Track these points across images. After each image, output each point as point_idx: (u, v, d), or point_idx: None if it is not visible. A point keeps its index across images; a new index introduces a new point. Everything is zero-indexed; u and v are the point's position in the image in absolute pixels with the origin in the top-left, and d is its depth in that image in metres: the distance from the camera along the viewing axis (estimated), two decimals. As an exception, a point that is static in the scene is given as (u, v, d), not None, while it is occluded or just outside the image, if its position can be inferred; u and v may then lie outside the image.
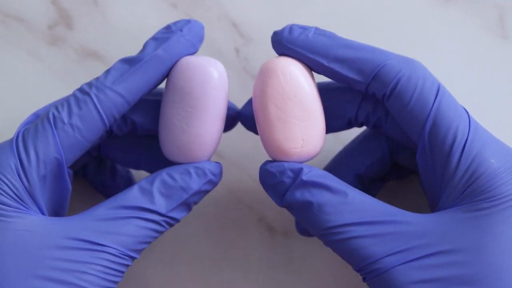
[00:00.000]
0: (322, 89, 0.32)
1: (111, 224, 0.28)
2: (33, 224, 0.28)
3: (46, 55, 0.39)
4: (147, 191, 0.30)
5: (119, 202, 0.29)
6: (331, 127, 0.33)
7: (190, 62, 0.31)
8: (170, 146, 0.31)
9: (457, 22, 0.39)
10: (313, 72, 0.32)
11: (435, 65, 0.39)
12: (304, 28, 0.31)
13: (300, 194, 0.29)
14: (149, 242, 0.29)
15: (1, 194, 0.28)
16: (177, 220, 0.30)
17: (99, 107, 0.29)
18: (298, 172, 0.30)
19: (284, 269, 0.39)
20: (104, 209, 0.29)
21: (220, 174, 0.32)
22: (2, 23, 0.39)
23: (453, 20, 0.39)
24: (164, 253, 0.39)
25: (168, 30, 0.32)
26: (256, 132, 0.32)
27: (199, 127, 0.31)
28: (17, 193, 0.28)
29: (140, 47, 0.39)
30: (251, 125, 0.34)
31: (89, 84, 0.30)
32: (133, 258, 0.29)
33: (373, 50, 0.31)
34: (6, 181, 0.28)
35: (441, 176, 0.29)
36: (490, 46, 0.39)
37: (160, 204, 0.30)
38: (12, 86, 0.39)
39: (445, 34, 0.39)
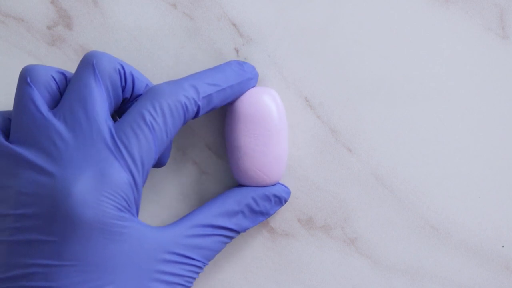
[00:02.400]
0: None
1: (200, 240, 0.33)
2: (141, 235, 0.30)
3: (46, 55, 0.39)
4: (234, 213, 0.35)
5: (210, 221, 0.34)
6: None
7: (259, 92, 0.36)
8: (250, 171, 0.36)
9: (457, 22, 0.39)
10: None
11: (435, 65, 0.39)
12: None
13: None
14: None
15: (120, 209, 0.30)
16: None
17: (187, 117, 0.32)
18: None
19: (284, 270, 0.39)
20: (194, 225, 0.33)
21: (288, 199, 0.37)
22: (2, 23, 0.39)
23: (453, 20, 0.39)
24: (164, 253, 0.39)
25: (241, 68, 0.36)
26: None
27: (277, 147, 0.36)
28: (130, 204, 0.30)
29: (140, 47, 0.39)
30: None
31: (185, 96, 0.32)
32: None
33: None
34: (124, 196, 0.30)
35: None
36: (490, 46, 0.39)
37: (241, 225, 0.35)
38: (12, 86, 0.39)
39: (445, 34, 0.39)
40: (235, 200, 0.35)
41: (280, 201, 0.37)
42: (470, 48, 0.39)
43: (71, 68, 0.39)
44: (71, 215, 0.29)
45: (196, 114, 0.33)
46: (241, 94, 0.36)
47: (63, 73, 0.33)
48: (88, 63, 0.32)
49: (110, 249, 0.29)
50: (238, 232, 0.35)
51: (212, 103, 0.34)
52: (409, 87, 0.39)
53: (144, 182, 0.31)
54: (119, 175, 0.30)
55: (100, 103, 0.31)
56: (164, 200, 0.39)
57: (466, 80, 0.39)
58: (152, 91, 0.32)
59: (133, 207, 0.31)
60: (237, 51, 0.39)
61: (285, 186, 0.37)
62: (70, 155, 0.30)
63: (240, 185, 0.37)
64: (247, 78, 0.36)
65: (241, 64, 0.36)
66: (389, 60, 0.39)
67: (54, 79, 0.32)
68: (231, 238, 0.35)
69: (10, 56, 0.39)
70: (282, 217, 0.39)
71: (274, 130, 0.36)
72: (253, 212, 0.35)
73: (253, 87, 0.36)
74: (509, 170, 0.39)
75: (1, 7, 0.39)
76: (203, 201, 0.39)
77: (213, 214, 0.34)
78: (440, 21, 0.39)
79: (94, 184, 0.29)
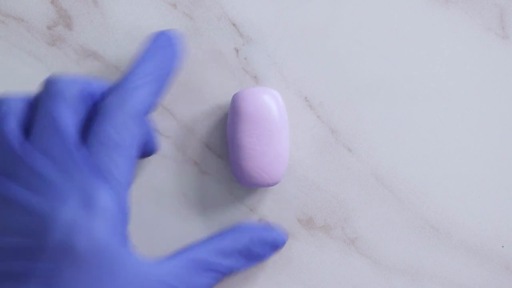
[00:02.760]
0: None
1: (194, 275, 0.32)
2: (134, 266, 0.30)
3: (46, 55, 0.39)
4: (230, 252, 0.34)
5: (205, 257, 0.34)
6: None
7: (260, 92, 0.36)
8: (251, 171, 0.36)
9: (457, 22, 0.39)
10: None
11: (435, 65, 0.39)
12: None
13: None
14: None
15: (111, 235, 0.29)
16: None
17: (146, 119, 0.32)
18: None
19: (284, 270, 0.39)
20: (190, 259, 0.33)
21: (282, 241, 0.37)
22: (2, 23, 0.39)
23: (453, 20, 0.39)
24: (164, 253, 0.39)
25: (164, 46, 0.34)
26: None
27: (279, 147, 0.36)
28: (121, 228, 0.30)
29: (139, 47, 0.39)
30: None
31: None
32: None
33: None
34: (113, 219, 0.29)
35: None
36: (490, 46, 0.39)
37: (236, 266, 0.35)
38: (11, 86, 0.39)
39: (446, 34, 0.39)
40: (232, 239, 0.35)
41: (277, 247, 0.37)
42: (470, 48, 0.39)
43: (71, 68, 0.39)
44: (60, 246, 0.28)
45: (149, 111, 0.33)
46: (172, 66, 0.34)
47: (29, 101, 0.32)
48: (52, 87, 0.31)
49: (101, 280, 0.28)
50: (231, 272, 0.35)
51: (156, 100, 0.33)
52: (409, 87, 0.39)
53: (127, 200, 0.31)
54: (105, 198, 0.29)
55: (71, 126, 0.30)
56: (164, 200, 0.39)
57: (466, 80, 0.39)
58: (108, 107, 0.31)
59: (124, 231, 0.30)
60: (237, 51, 0.39)
61: (284, 233, 0.37)
62: (52, 184, 0.29)
63: (239, 225, 0.36)
64: (170, 52, 0.34)
65: (163, 38, 0.34)
66: (389, 60, 0.39)
67: (26, 105, 0.31)
68: (224, 275, 0.34)
69: (10, 56, 0.39)
70: (282, 217, 0.39)
71: (276, 129, 0.36)
72: (249, 253, 0.35)
73: (177, 53, 0.34)
74: (509, 170, 0.39)
75: (1, 7, 0.39)
76: (203, 201, 0.39)
77: (209, 250, 0.34)
78: (440, 21, 0.39)
79: (81, 211, 0.28)
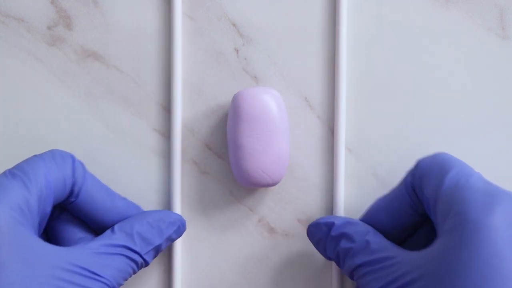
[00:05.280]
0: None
1: (105, 258, 0.32)
2: (40, 244, 0.30)
3: (46, 56, 0.39)
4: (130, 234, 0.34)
5: (109, 241, 0.33)
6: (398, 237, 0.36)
7: (261, 93, 0.37)
8: (252, 171, 0.36)
9: (457, 22, 0.39)
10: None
11: (435, 65, 0.39)
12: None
13: (332, 247, 0.35)
14: (126, 279, 0.34)
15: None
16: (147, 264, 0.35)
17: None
18: (330, 226, 0.35)
19: (284, 270, 0.39)
20: (98, 244, 0.33)
21: (185, 225, 0.37)
22: (2, 23, 0.39)
23: (453, 20, 0.39)
24: (164, 253, 0.39)
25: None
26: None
27: (279, 147, 0.36)
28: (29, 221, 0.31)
29: (139, 47, 0.39)
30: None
31: None
32: None
33: None
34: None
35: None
36: (490, 46, 0.39)
37: (141, 246, 0.34)
38: (11, 86, 0.39)
39: (445, 34, 0.39)
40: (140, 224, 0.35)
41: (179, 228, 0.36)
42: (470, 48, 0.39)
43: (70, 68, 0.39)
44: None
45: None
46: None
47: None
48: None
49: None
50: (140, 255, 0.34)
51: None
52: (409, 87, 0.39)
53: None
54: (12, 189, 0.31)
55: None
56: (164, 200, 0.39)
57: (466, 80, 0.39)
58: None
59: (31, 222, 0.31)
60: (237, 51, 0.39)
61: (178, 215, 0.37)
62: None
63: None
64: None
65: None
66: (389, 60, 0.39)
67: None
68: (135, 261, 0.34)
69: (10, 56, 0.39)
70: (282, 217, 0.39)
71: (276, 130, 0.36)
72: (159, 233, 0.35)
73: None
74: (510, 171, 0.39)
75: (1, 7, 0.39)
76: (203, 201, 0.39)
77: (119, 238, 0.34)
78: (440, 21, 0.39)
79: None
